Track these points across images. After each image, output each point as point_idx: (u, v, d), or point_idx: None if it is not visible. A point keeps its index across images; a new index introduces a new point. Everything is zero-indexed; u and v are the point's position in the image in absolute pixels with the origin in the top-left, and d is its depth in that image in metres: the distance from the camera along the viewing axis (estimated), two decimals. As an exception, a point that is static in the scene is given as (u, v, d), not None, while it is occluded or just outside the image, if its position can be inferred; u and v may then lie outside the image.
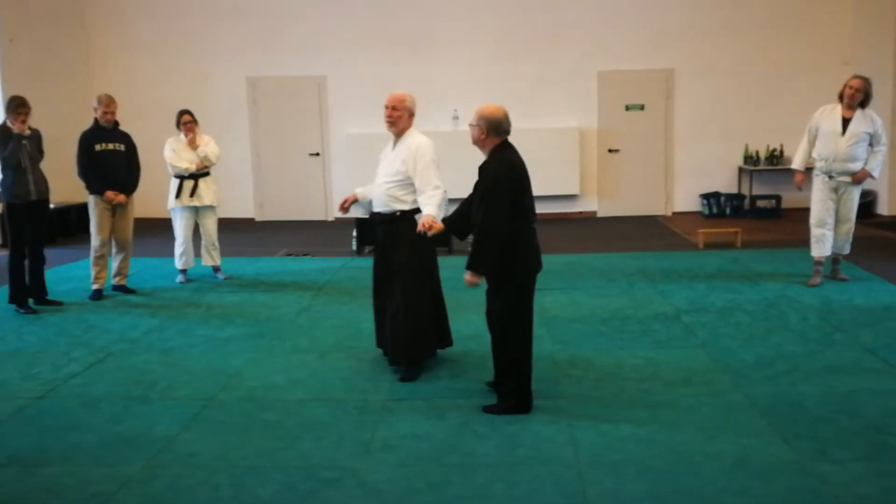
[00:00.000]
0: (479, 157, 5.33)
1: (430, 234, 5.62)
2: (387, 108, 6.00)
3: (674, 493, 4.21)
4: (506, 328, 5.31)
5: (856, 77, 8.38)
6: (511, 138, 5.29)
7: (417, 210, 6.00)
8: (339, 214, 12.87)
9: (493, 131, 5.24)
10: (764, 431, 4.96)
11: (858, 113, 8.29)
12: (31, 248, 8.18)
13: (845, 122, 8.29)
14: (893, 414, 5.16)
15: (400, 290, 6.02)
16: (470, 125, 5.34)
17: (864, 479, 4.31)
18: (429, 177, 5.90)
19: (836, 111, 8.38)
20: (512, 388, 5.36)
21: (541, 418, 5.21)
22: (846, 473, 4.38)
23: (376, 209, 6.18)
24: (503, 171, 5.14)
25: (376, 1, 13.93)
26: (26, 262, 8.17)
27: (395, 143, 6.11)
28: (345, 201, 6.42)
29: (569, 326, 7.28)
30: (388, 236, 6.10)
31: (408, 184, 5.96)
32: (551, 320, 7.44)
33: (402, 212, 6.03)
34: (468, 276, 5.20)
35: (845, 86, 8.33)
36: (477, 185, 5.28)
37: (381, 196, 6.08)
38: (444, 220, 5.71)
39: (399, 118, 6.02)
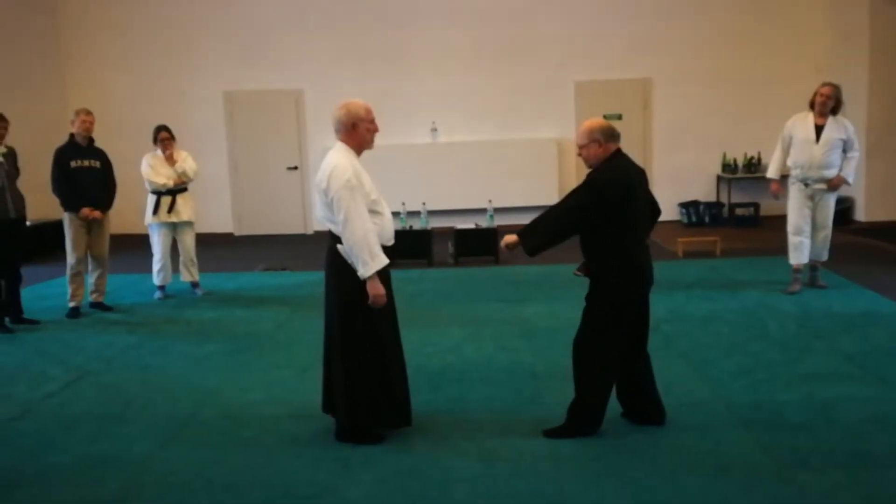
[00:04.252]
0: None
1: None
2: (374, 122, 5.06)
3: (654, 504, 4.20)
4: (590, 348, 4.95)
5: (826, 84, 8.43)
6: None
7: None
8: (318, 228, 12.91)
9: (610, 138, 5.04)
10: (744, 440, 4.95)
11: (831, 120, 8.35)
12: (8, 266, 8.10)
13: (818, 130, 8.34)
14: (872, 421, 5.17)
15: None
16: (580, 147, 5.08)
17: (843, 487, 4.31)
18: None
19: (809, 119, 8.43)
20: (576, 408, 5.05)
21: (521, 431, 5.19)
22: (826, 482, 4.38)
23: (390, 243, 5.13)
24: (606, 173, 4.98)
25: (352, 15, 13.98)
26: (2, 281, 8.07)
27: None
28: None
29: (548, 337, 7.25)
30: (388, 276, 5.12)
31: None
32: (530, 332, 7.43)
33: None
34: (510, 236, 4.92)
35: (816, 93, 8.39)
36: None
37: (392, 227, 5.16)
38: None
39: None
